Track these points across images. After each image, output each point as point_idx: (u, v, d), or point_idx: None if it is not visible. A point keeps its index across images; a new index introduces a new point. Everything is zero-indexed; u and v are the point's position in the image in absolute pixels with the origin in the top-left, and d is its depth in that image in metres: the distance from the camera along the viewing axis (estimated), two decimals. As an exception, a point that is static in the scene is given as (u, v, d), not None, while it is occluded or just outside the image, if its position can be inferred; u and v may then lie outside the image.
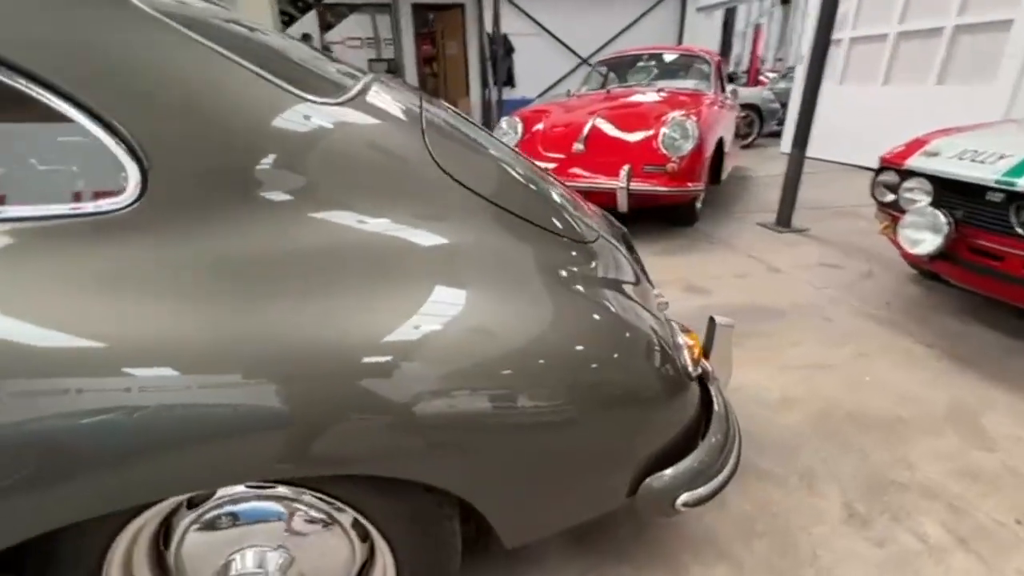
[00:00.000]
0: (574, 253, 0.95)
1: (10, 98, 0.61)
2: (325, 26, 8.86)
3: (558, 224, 0.97)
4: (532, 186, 1.05)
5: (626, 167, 3.17)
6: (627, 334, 0.89)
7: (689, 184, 3.28)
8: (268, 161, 0.72)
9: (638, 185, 3.20)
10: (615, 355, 0.85)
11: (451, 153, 0.91)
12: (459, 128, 1.05)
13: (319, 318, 0.68)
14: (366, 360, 0.68)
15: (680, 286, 2.66)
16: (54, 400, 0.59)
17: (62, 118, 0.62)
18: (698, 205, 3.74)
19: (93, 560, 0.72)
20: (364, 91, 0.87)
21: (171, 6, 0.76)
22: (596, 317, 0.87)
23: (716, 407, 1.06)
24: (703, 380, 1.10)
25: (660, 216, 3.69)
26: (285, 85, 0.75)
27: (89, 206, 0.65)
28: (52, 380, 0.59)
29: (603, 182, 3.24)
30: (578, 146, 3.41)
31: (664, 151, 3.22)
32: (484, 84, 8.48)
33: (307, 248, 0.72)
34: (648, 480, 0.89)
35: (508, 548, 0.87)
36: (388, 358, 0.69)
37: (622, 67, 4.87)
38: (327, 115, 0.77)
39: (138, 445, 0.60)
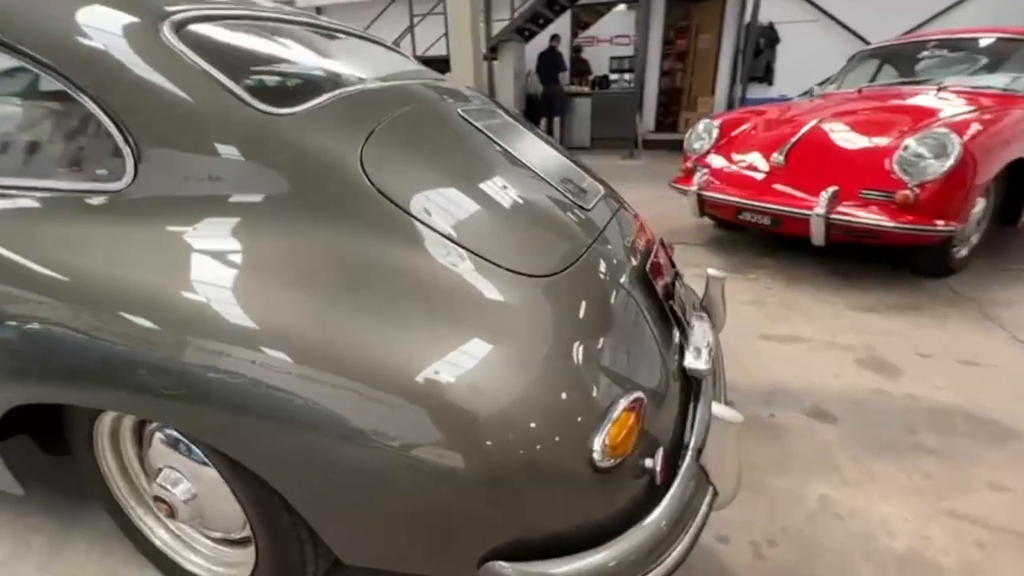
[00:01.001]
0: (508, 286, 0.84)
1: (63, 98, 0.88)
2: (582, 25, 9.25)
3: (501, 252, 0.87)
4: (491, 205, 0.96)
5: (830, 190, 2.47)
6: (516, 395, 0.74)
7: (937, 222, 2.36)
8: (213, 162, 0.86)
9: (846, 214, 2.46)
10: (484, 415, 0.72)
11: (393, 168, 0.91)
12: (429, 142, 1.02)
13: (206, 290, 0.79)
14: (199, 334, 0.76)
15: (857, 355, 1.99)
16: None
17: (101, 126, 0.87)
18: (960, 251, 2.67)
19: (86, 426, 1.01)
20: (325, 102, 0.94)
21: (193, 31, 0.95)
22: (487, 366, 0.75)
23: (660, 520, 0.81)
24: (653, 478, 0.85)
25: (899, 259, 2.78)
26: (245, 96, 0.88)
27: (108, 182, 0.89)
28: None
29: (795, 205, 2.60)
30: (777, 157, 2.81)
31: (899, 173, 2.39)
32: (733, 81, 7.59)
33: (232, 237, 0.84)
34: (488, 564, 0.75)
35: (345, 563, 0.85)
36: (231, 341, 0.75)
37: (901, 58, 3.73)
38: (265, 123, 0.87)
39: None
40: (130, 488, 1.09)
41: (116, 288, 0.81)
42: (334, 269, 0.81)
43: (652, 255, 1.16)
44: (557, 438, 0.74)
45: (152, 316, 0.78)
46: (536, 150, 1.23)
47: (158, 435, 0.99)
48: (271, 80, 1.01)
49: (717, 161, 3.15)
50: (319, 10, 9.69)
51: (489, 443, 0.71)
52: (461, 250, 0.86)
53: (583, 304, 0.91)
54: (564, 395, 0.78)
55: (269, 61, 1.09)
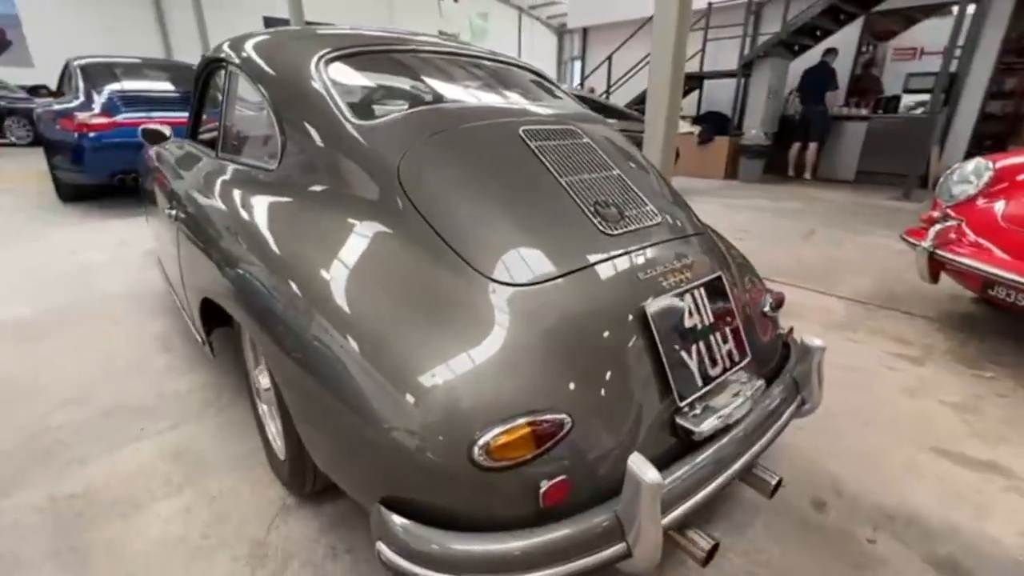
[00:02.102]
0: (471, 284, 0.96)
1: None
2: (880, 35, 7.68)
3: (477, 251, 1.00)
4: (488, 210, 1.06)
5: None
6: (432, 374, 0.85)
7: None
8: (319, 158, 1.21)
9: None
10: (406, 386, 0.85)
11: (425, 179, 1.10)
12: (465, 157, 1.17)
13: (304, 252, 1.10)
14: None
15: (1097, 524, 1.30)
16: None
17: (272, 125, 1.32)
18: None
19: (234, 324, 1.49)
20: (397, 117, 1.20)
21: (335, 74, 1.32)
22: (425, 345, 0.89)
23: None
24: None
25: None
26: (346, 111, 1.20)
27: (268, 164, 1.34)
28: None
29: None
30: (1073, 218, 1.96)
31: None
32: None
33: (305, 217, 1.17)
34: (379, 506, 0.87)
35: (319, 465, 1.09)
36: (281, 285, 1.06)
37: None
38: (351, 132, 1.18)
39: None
40: (255, 365, 1.56)
41: (264, 234, 1.21)
42: (378, 263, 1.03)
43: (666, 295, 1.06)
44: (449, 422, 0.82)
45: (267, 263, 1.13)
46: (590, 172, 1.23)
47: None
48: (370, 97, 1.32)
49: (976, 213, 2.35)
50: (585, 31, 10.45)
51: (397, 409, 0.85)
52: (444, 244, 1.00)
53: (539, 319, 0.93)
54: (472, 386, 0.85)
55: (376, 82, 1.41)
